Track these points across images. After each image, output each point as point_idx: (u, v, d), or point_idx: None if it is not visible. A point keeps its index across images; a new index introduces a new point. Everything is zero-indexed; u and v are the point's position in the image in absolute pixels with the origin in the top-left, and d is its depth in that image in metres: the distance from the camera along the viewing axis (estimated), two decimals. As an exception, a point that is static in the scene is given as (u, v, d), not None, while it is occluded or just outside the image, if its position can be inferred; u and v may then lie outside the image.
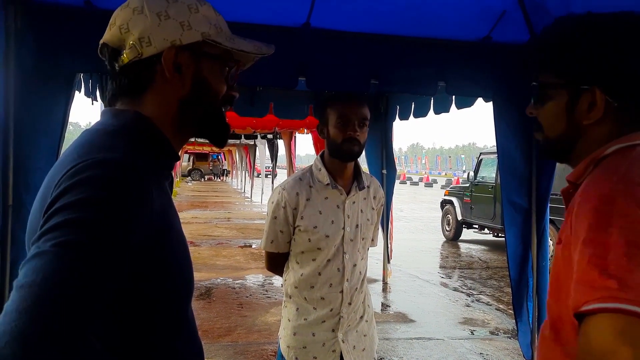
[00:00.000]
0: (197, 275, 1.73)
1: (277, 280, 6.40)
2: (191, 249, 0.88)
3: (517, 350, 3.95)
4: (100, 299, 0.64)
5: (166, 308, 0.84)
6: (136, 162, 0.76)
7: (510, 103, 2.91)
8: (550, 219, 3.08)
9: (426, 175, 50.55)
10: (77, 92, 2.93)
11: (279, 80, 2.71)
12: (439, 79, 2.88)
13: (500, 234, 9.61)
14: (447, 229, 11.27)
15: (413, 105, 4.74)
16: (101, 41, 0.90)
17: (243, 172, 24.39)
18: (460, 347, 4.51)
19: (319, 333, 1.84)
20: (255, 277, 6.76)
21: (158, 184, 0.82)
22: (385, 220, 5.78)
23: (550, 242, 3.71)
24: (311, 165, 1.93)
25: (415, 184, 40.69)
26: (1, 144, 2.20)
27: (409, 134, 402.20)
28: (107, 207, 0.68)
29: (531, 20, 2.60)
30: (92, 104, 3.44)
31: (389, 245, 6.34)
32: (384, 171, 5.64)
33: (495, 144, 3.06)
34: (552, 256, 0.96)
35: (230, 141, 15.94)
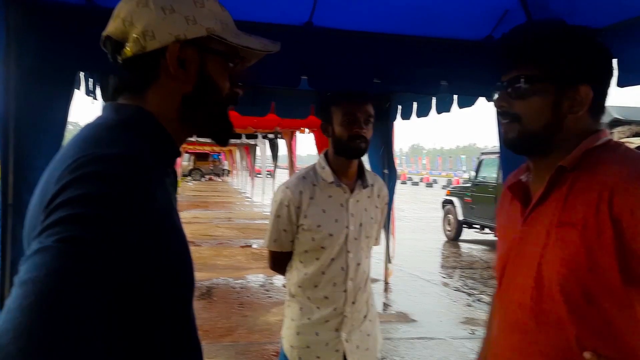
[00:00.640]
0: (198, 275, 1.73)
1: (278, 280, 6.39)
2: (192, 248, 0.87)
3: (519, 350, 3.93)
4: (104, 296, 0.62)
5: (168, 308, 0.82)
6: (138, 158, 0.75)
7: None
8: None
9: (427, 176, 50.59)
10: (76, 91, 2.91)
11: (281, 79, 2.69)
12: (441, 78, 2.86)
13: (501, 234, 9.58)
14: (448, 229, 11.25)
15: (415, 105, 4.73)
16: (104, 33, 0.88)
17: (244, 172, 24.40)
18: (462, 347, 4.50)
19: (322, 332, 1.83)
20: (256, 277, 6.75)
21: (160, 181, 0.81)
22: (387, 220, 5.76)
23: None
24: (315, 164, 1.92)
25: (416, 184, 40.66)
26: (1, 142, 2.18)
27: (410, 134, 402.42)
28: (110, 203, 0.67)
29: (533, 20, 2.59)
30: (92, 102, 3.43)
31: (392, 245, 6.32)
32: (386, 171, 5.62)
33: (498, 144, 3.05)
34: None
35: (231, 141, 15.93)
